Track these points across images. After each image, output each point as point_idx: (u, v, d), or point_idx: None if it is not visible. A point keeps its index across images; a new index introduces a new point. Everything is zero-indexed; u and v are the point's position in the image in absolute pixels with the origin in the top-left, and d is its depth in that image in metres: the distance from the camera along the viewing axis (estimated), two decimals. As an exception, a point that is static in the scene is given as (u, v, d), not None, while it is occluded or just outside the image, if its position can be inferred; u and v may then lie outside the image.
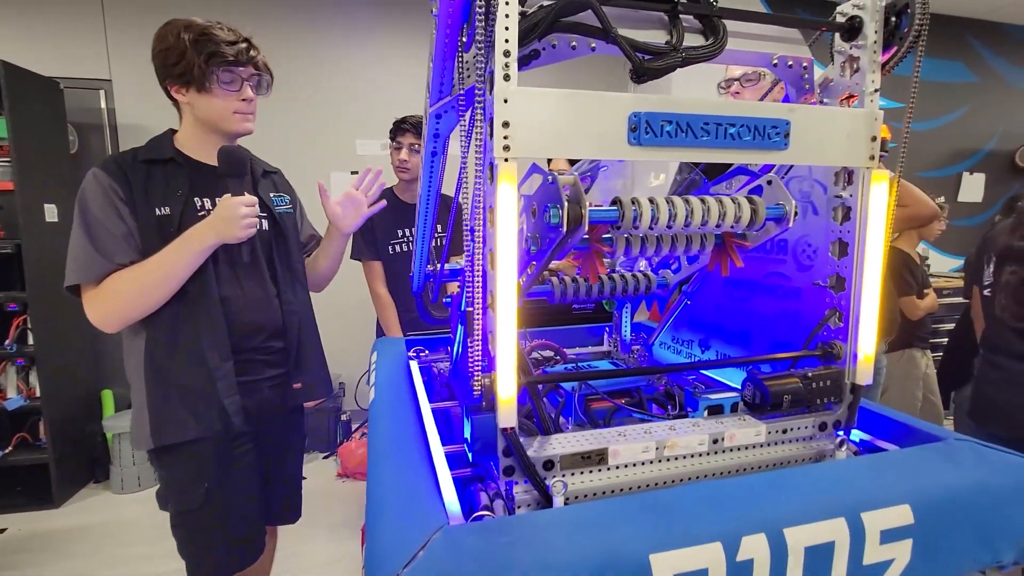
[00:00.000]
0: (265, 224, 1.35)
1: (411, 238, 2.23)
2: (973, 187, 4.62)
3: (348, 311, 3.67)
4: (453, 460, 0.83)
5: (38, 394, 2.74)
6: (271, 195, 1.39)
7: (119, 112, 3.28)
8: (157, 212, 1.18)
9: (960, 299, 3.03)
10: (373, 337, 4.06)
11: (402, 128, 2.18)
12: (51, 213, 2.85)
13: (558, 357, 1.27)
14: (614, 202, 0.73)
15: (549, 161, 2.80)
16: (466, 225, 0.70)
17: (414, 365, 1.30)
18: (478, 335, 0.67)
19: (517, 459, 0.67)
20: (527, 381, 0.70)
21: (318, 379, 1.45)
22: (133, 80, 3.25)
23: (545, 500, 0.68)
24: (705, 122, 0.68)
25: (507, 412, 0.65)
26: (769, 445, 0.80)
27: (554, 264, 1.84)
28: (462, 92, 0.69)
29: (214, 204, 1.25)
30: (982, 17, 4.46)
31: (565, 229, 0.65)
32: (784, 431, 0.80)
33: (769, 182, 0.81)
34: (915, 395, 2.53)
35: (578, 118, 0.64)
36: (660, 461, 0.75)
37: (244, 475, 1.30)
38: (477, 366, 0.69)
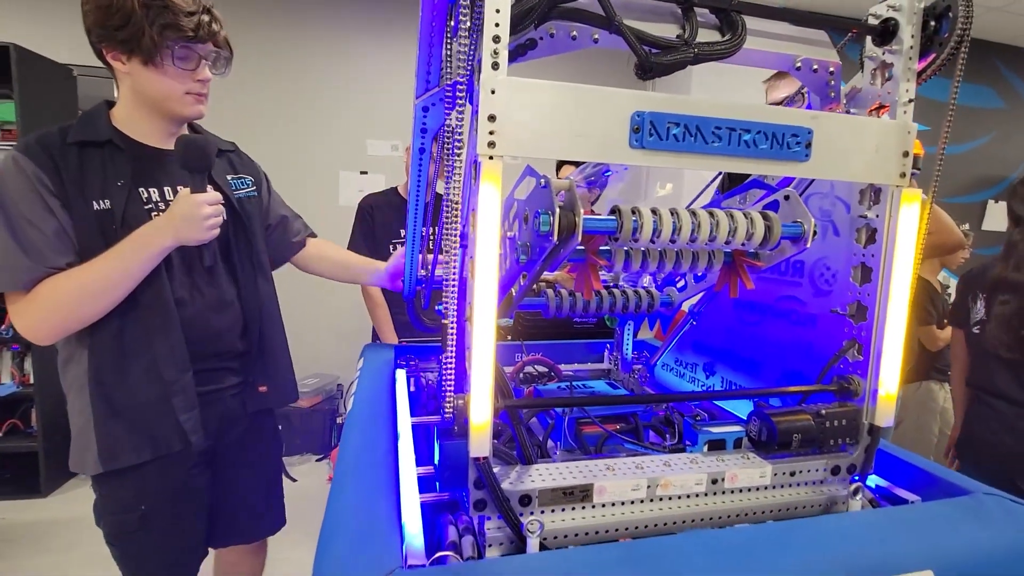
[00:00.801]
0: (224, 214, 1.13)
1: None
2: (998, 216, 4.48)
3: (346, 310, 3.62)
4: (428, 483, 0.76)
5: (31, 381, 2.71)
6: (228, 178, 1.21)
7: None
8: (95, 206, 1.00)
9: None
10: (371, 338, 3.99)
11: None
12: (56, 199, 2.84)
13: (552, 374, 1.20)
14: (612, 211, 0.66)
15: (559, 167, 2.72)
16: (451, 230, 0.64)
17: (401, 375, 1.23)
18: (452, 350, 0.60)
19: (489, 492, 0.60)
20: (505, 405, 0.63)
21: (284, 381, 1.31)
22: (147, 71, 3.25)
23: (519, 540, 0.61)
24: (717, 126, 0.61)
25: (480, 439, 0.58)
26: (775, 488, 0.72)
27: (552, 275, 1.77)
28: (450, 83, 0.62)
29: (162, 194, 1.09)
30: (1012, 43, 4.34)
31: (556, 238, 0.58)
32: (792, 473, 0.72)
33: (787, 197, 0.74)
34: (931, 430, 2.41)
35: (574, 115, 0.58)
36: (652, 500, 0.67)
37: (189, 498, 1.16)
38: (450, 384, 0.62)
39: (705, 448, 0.81)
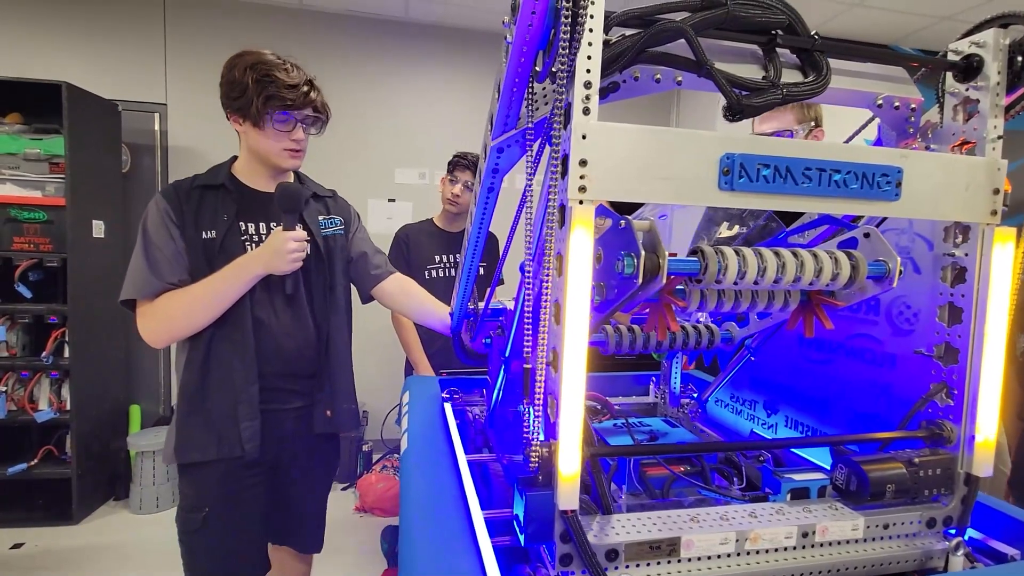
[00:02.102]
0: (308, 249, 1.33)
1: (448, 264, 2.19)
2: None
3: (373, 337, 3.63)
4: (493, 527, 0.73)
5: (68, 407, 2.74)
6: (320, 219, 1.40)
7: (171, 134, 3.39)
8: (204, 235, 1.24)
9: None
10: (399, 364, 3.98)
11: (461, 164, 2.17)
12: (99, 229, 2.92)
13: (605, 410, 1.17)
14: (694, 252, 0.65)
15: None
16: (528, 269, 0.63)
17: (447, 408, 1.22)
18: (538, 398, 0.59)
19: (577, 547, 0.58)
20: (592, 453, 0.61)
21: (347, 412, 1.42)
22: (187, 105, 3.37)
23: (606, 597, 0.58)
24: (807, 167, 0.60)
25: (569, 491, 0.56)
26: (867, 541, 0.68)
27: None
28: (531, 125, 0.62)
29: (258, 228, 1.31)
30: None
31: (640, 281, 0.57)
32: (885, 526, 0.69)
33: (867, 235, 0.72)
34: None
35: (663, 158, 0.57)
36: (740, 555, 0.64)
37: (251, 507, 1.30)
38: (536, 432, 0.60)
39: (788, 497, 0.77)
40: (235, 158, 1.36)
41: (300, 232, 1.24)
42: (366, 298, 1.57)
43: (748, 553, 0.64)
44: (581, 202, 0.55)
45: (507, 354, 1.00)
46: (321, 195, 1.46)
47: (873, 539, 0.69)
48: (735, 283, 0.64)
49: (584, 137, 0.54)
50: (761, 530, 0.64)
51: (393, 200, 3.75)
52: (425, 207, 3.33)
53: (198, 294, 1.20)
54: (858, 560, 0.67)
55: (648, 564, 0.62)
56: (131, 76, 3.28)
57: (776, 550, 0.65)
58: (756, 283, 0.65)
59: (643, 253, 0.58)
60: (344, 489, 3.27)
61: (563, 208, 0.57)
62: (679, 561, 0.62)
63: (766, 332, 1.07)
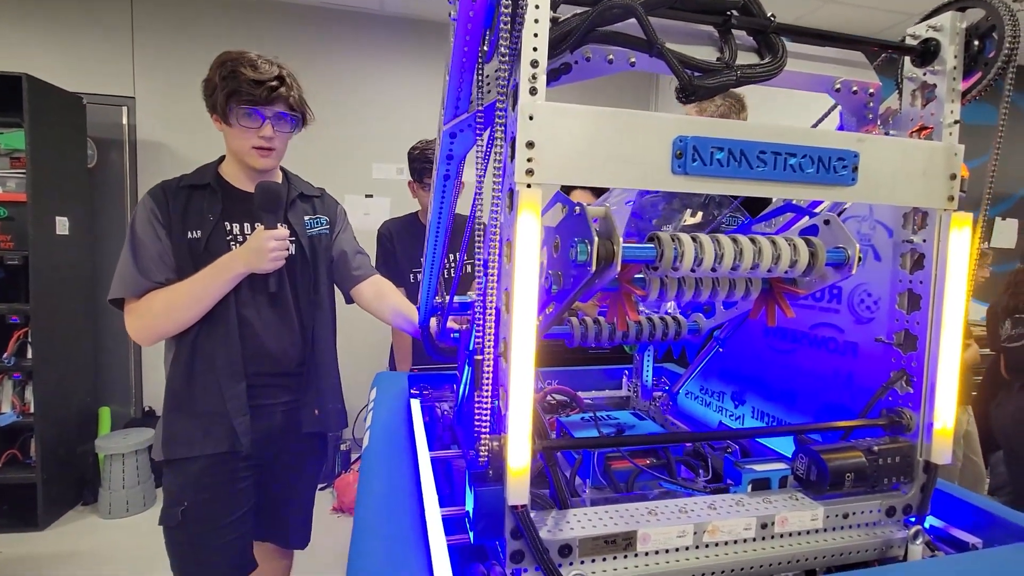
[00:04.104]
0: (292, 248, 1.34)
1: None
2: (1006, 232, 4.46)
3: (352, 337, 3.58)
4: (452, 525, 0.71)
5: (32, 410, 2.66)
6: (305, 219, 1.40)
7: (140, 129, 3.30)
8: (190, 235, 1.25)
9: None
10: (379, 362, 3.94)
11: (428, 170, 2.08)
12: (62, 226, 2.82)
13: (573, 404, 1.16)
14: (650, 239, 0.63)
15: (568, 192, 2.70)
16: (478, 257, 0.60)
17: (415, 405, 1.19)
18: (487, 388, 0.57)
19: (528, 543, 0.56)
20: (544, 446, 0.59)
21: (334, 411, 1.44)
22: (156, 98, 3.28)
23: (560, 595, 0.56)
24: (762, 150, 0.58)
25: (518, 486, 0.54)
26: (827, 531, 0.68)
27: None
28: (481, 108, 0.60)
29: (242, 228, 1.31)
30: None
31: (594, 268, 0.55)
32: (845, 516, 0.68)
33: (827, 222, 0.71)
34: (956, 455, 2.35)
35: (615, 140, 0.55)
36: (699, 547, 0.63)
37: (233, 502, 1.29)
38: (484, 424, 0.58)
39: (749, 488, 0.76)
40: (223, 158, 1.36)
41: (281, 231, 1.25)
42: (348, 298, 1.57)
43: (707, 546, 0.63)
44: (529, 185, 0.53)
45: (470, 347, 0.98)
46: (308, 195, 1.45)
47: (833, 528, 0.68)
48: (692, 270, 0.63)
49: (531, 118, 0.52)
50: (720, 522, 0.63)
51: (371, 196, 3.69)
52: (403, 203, 3.28)
53: (182, 292, 1.21)
54: (818, 550, 0.67)
55: (604, 559, 0.60)
56: (97, 68, 3.17)
57: (735, 542, 0.64)
58: (714, 270, 0.63)
59: (596, 239, 0.56)
60: (322, 489, 3.22)
61: (511, 192, 0.55)
62: (635, 556, 0.61)
63: (734, 322, 1.06)
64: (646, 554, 0.61)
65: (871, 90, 0.72)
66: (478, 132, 0.62)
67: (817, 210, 0.80)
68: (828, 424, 0.74)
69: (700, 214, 0.95)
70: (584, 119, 0.54)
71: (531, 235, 0.52)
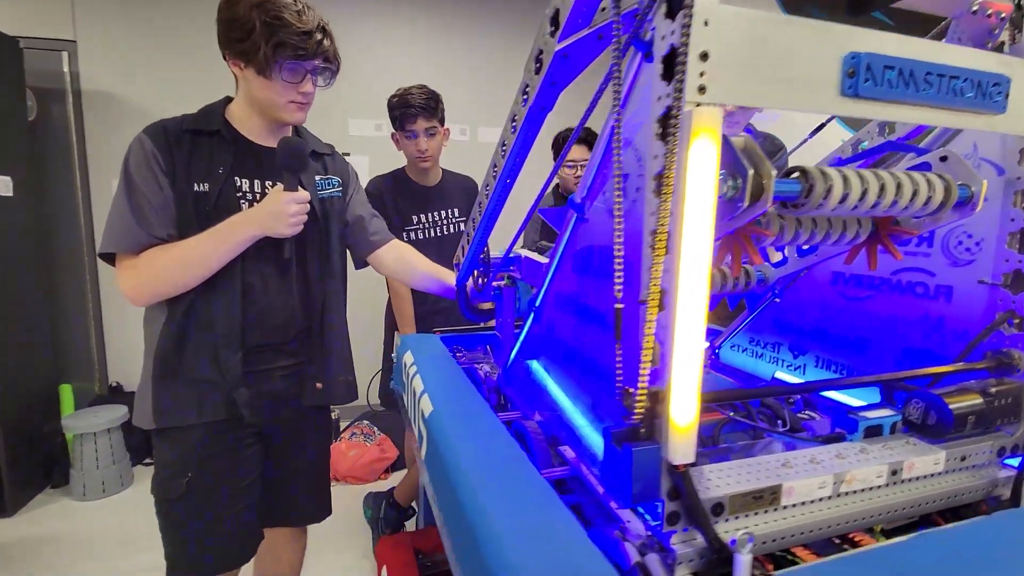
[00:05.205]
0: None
1: (428, 224, 2.03)
2: None
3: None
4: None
5: (-11, 390, 2.43)
6: (317, 179, 1.28)
7: (84, 77, 2.96)
8: (195, 188, 1.11)
9: None
10: (368, 329, 3.82)
11: (409, 114, 1.91)
12: (5, 186, 2.53)
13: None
14: (790, 172, 0.58)
15: (555, 145, 2.52)
16: (617, 193, 0.53)
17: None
18: (648, 338, 0.51)
19: (686, 504, 0.51)
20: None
21: (344, 384, 1.34)
22: (101, 42, 2.94)
23: (714, 555, 0.53)
24: (929, 71, 0.53)
25: (685, 444, 0.49)
26: (945, 474, 0.67)
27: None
28: (618, 17, 0.52)
29: (252, 185, 1.18)
30: None
31: (746, 204, 0.49)
32: (963, 458, 0.67)
33: (943, 158, 0.67)
34: None
35: (784, 54, 0.48)
36: (833, 498, 0.60)
37: (238, 471, 1.21)
38: (638, 379, 0.52)
39: (861, 436, 0.74)
40: (228, 100, 1.21)
41: (303, 193, 1.14)
42: (360, 264, 1.47)
43: (841, 495, 0.61)
44: (699, 105, 0.46)
45: (537, 303, 0.92)
46: (319, 152, 1.33)
47: (950, 471, 0.67)
48: (835, 208, 0.58)
49: (706, 23, 0.45)
50: (856, 471, 0.61)
51: (348, 154, 3.46)
52: (383, 160, 3.10)
53: (188, 252, 1.08)
54: (935, 494, 0.66)
55: (747, 515, 0.57)
56: (32, 7, 2.80)
57: (866, 490, 0.62)
58: (855, 208, 0.59)
59: (751, 172, 0.50)
60: (312, 459, 3.14)
61: (667, 116, 0.48)
62: (776, 509, 0.58)
63: (795, 273, 1.03)
64: (786, 507, 0.58)
65: (1004, 14, 0.67)
66: (597, 51, 0.54)
67: (921, 144, 0.76)
68: (926, 370, 0.73)
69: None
70: (756, 27, 0.47)
71: (708, 163, 0.46)
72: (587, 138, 2.12)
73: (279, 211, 1.09)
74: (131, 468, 2.86)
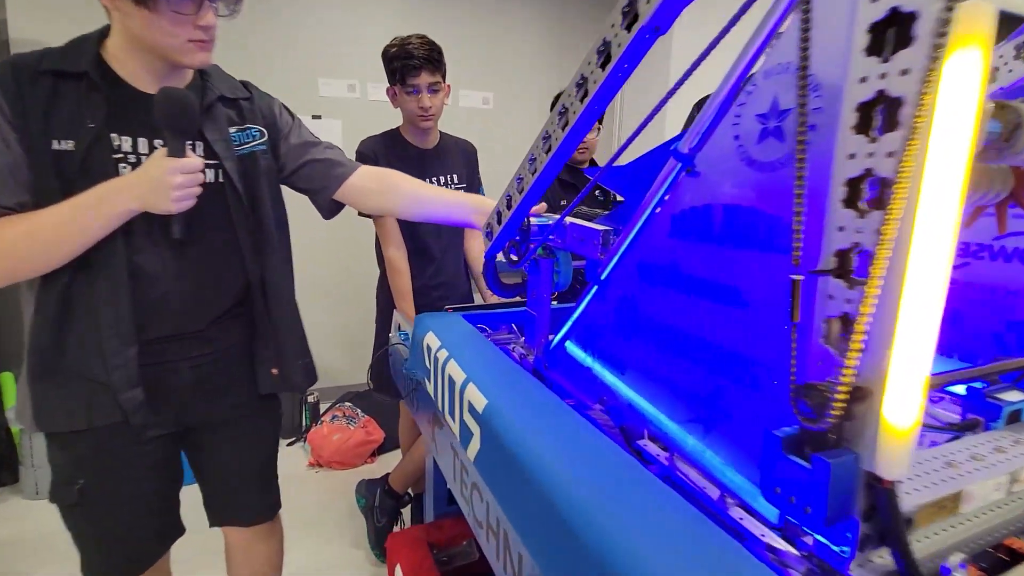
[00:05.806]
0: (211, 176, 1.01)
1: None
2: None
3: (317, 280, 3.22)
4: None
5: (-85, 382, 2.14)
6: (232, 132, 1.04)
7: (12, 25, 2.58)
8: (54, 145, 0.88)
9: None
10: (346, 308, 3.60)
11: (411, 66, 1.67)
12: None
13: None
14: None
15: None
16: (801, 130, 0.41)
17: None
18: (866, 316, 0.39)
19: (888, 525, 0.41)
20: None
21: (302, 367, 1.18)
22: (28, -16, 2.56)
23: (905, 580, 0.43)
24: None
25: (899, 454, 0.38)
26: (1097, 464, 0.60)
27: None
28: None
29: (135, 144, 0.94)
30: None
31: (1006, 141, 0.38)
32: (1115, 446, 0.60)
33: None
34: None
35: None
36: (1008, 499, 0.52)
37: (142, 479, 1.07)
38: (845, 369, 0.41)
39: (1004, 423, 0.67)
40: (104, 33, 0.94)
41: (190, 161, 0.91)
42: (330, 210, 1.23)
43: (1012, 496, 0.52)
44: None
45: (603, 276, 0.80)
46: (231, 97, 1.07)
47: (1102, 460, 0.60)
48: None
49: None
50: (1029, 468, 0.52)
51: (318, 117, 3.21)
52: (358, 125, 2.86)
53: (44, 225, 0.87)
54: (1088, 486, 0.59)
55: (924, 527, 0.47)
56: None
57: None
58: (1048, 157, 0.49)
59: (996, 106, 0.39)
60: (290, 445, 2.96)
61: (888, 22, 0.36)
62: (956, 515, 0.49)
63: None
64: (966, 515, 0.49)
65: None
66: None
67: None
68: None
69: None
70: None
71: (974, 82, 0.34)
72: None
73: (160, 182, 0.87)
74: (89, 461, 2.62)
